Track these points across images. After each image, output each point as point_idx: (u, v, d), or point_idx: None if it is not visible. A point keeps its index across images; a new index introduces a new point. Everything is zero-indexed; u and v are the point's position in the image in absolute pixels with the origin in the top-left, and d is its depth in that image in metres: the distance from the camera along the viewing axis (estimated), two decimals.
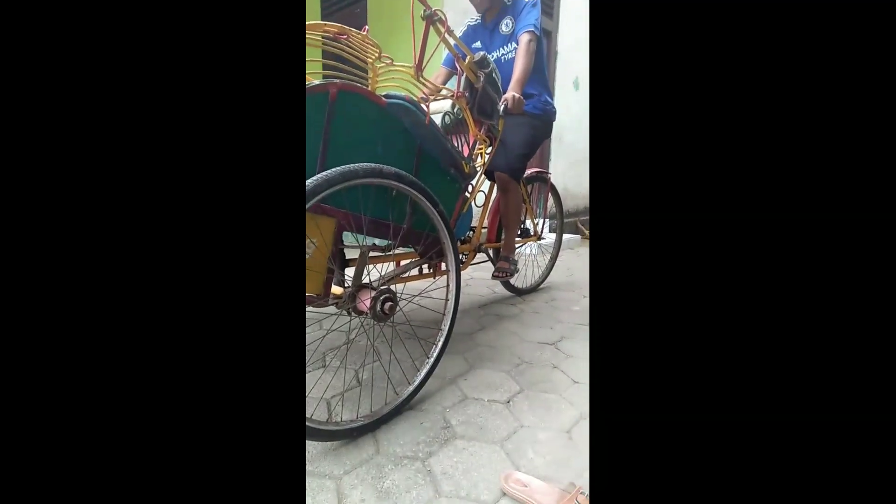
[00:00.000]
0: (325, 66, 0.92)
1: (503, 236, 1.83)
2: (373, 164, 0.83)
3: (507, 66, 1.64)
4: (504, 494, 0.75)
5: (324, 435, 0.84)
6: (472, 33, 1.75)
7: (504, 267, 1.76)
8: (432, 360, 1.08)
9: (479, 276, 2.48)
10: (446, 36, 1.02)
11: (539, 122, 1.74)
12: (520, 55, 1.52)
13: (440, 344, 1.09)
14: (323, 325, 1.60)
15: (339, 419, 0.95)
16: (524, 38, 1.53)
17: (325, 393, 1.11)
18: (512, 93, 1.38)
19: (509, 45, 1.64)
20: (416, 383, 1.04)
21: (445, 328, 1.10)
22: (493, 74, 1.25)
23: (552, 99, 1.81)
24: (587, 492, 0.72)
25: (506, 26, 1.63)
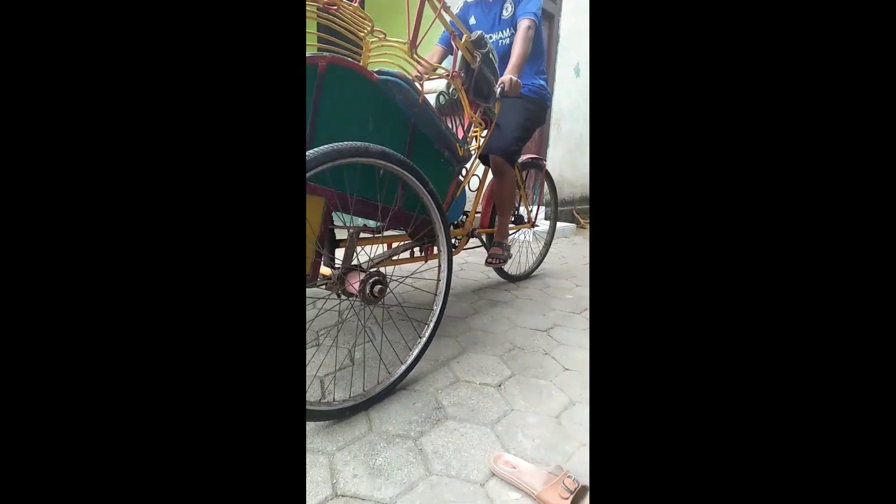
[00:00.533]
0: (319, 40, 0.89)
1: (497, 222, 1.82)
2: (358, 143, 0.81)
3: (503, 50, 1.62)
4: (493, 475, 0.76)
5: (317, 415, 0.84)
6: (468, 9, 1.73)
7: (497, 253, 1.75)
8: (424, 339, 1.08)
9: (473, 261, 2.48)
10: (442, 13, 1.00)
11: (534, 105, 1.72)
12: (518, 40, 1.51)
13: (432, 324, 1.09)
14: (316, 305, 1.59)
15: (333, 398, 0.95)
16: (523, 24, 1.52)
17: (318, 371, 1.11)
18: (509, 75, 1.37)
19: (507, 29, 1.63)
20: (408, 363, 1.04)
21: (437, 308, 1.10)
22: (490, 55, 1.23)
23: (548, 84, 1.78)
24: (574, 475, 0.73)
25: (506, 10, 1.62)
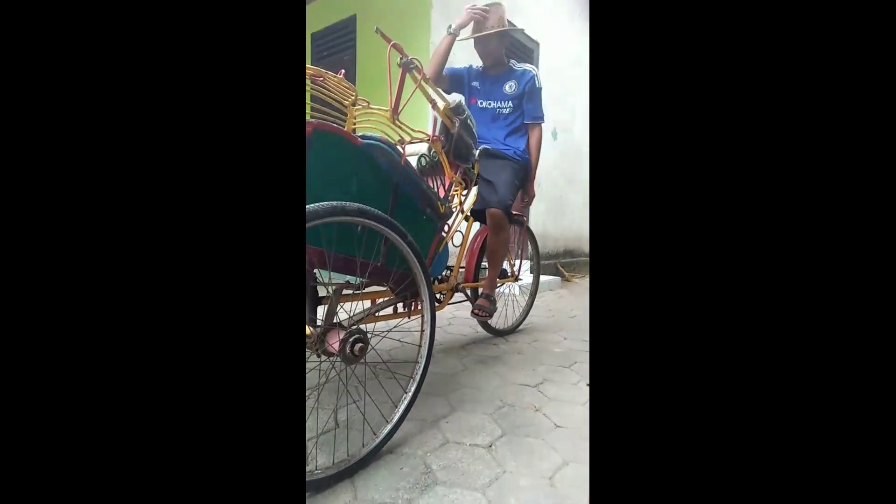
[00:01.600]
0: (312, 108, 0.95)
1: (484, 275, 1.84)
2: (335, 203, 0.83)
3: (501, 118, 1.85)
4: None
5: None
6: (473, 73, 1.91)
7: (484, 305, 1.75)
8: (409, 395, 1.04)
9: (461, 315, 2.46)
10: (423, 83, 1.08)
11: (519, 167, 1.85)
12: (532, 149, 1.87)
13: (417, 378, 1.06)
14: None
15: (315, 466, 0.90)
16: (535, 134, 1.87)
17: None
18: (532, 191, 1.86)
19: (507, 102, 1.83)
20: (395, 421, 1.00)
21: (422, 361, 1.08)
22: (468, 120, 1.32)
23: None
24: None
25: (510, 87, 1.83)
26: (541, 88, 1.83)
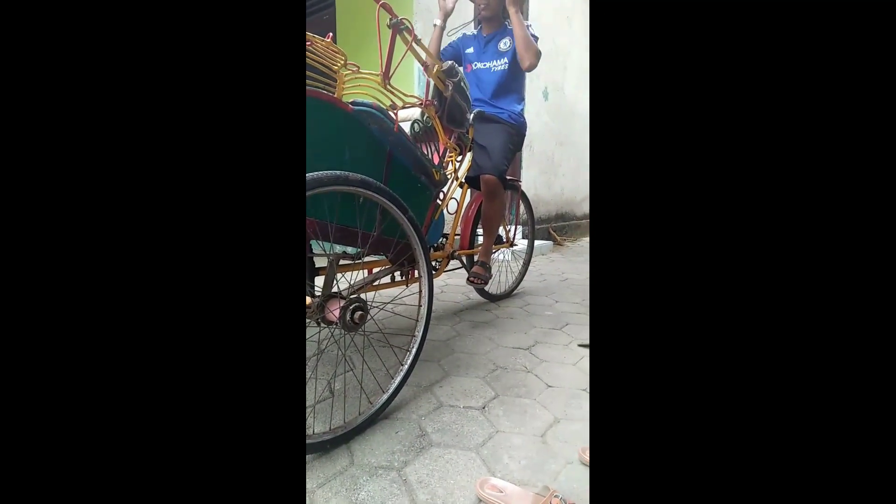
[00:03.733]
0: None
1: (479, 242, 1.84)
2: (338, 172, 0.82)
3: (494, 76, 1.78)
4: (480, 501, 0.75)
5: None
6: (465, 40, 1.85)
7: (479, 273, 1.77)
8: (406, 367, 1.07)
9: (453, 283, 2.49)
10: (413, 45, 1.03)
11: (514, 130, 1.81)
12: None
13: (413, 351, 1.09)
14: None
15: (312, 431, 0.93)
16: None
17: None
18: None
19: (501, 59, 1.76)
20: (391, 391, 1.02)
21: (419, 334, 1.10)
22: (462, 83, 1.27)
23: (523, 111, 1.88)
24: (561, 495, 0.73)
25: (504, 45, 1.75)
26: (536, 38, 1.73)
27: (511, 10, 1.61)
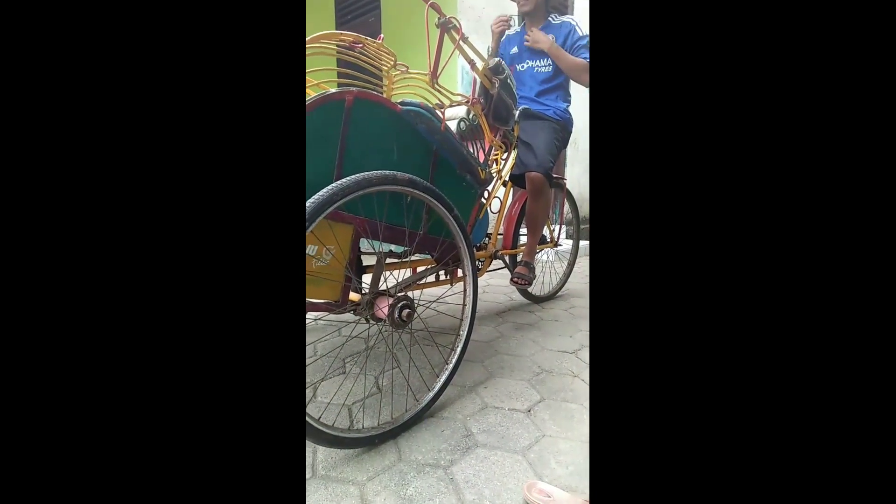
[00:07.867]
0: (340, 75, 0.93)
1: (522, 242, 1.81)
2: (387, 171, 0.83)
3: (539, 75, 1.75)
4: None
5: (348, 443, 0.84)
6: (510, 40, 1.83)
7: (523, 273, 1.74)
8: (451, 366, 1.07)
9: (495, 283, 2.46)
10: (461, 43, 1.03)
11: (560, 127, 1.77)
12: (568, 59, 1.67)
13: (458, 350, 1.08)
14: (342, 332, 1.60)
15: (361, 426, 0.95)
16: (583, 61, 1.68)
17: (346, 399, 1.11)
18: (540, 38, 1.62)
19: (546, 59, 1.73)
20: (436, 390, 1.03)
21: (464, 334, 1.09)
22: (508, 80, 1.26)
23: (569, 108, 1.83)
24: None
25: None
26: (585, 37, 1.68)
27: (547, 49, 1.65)
